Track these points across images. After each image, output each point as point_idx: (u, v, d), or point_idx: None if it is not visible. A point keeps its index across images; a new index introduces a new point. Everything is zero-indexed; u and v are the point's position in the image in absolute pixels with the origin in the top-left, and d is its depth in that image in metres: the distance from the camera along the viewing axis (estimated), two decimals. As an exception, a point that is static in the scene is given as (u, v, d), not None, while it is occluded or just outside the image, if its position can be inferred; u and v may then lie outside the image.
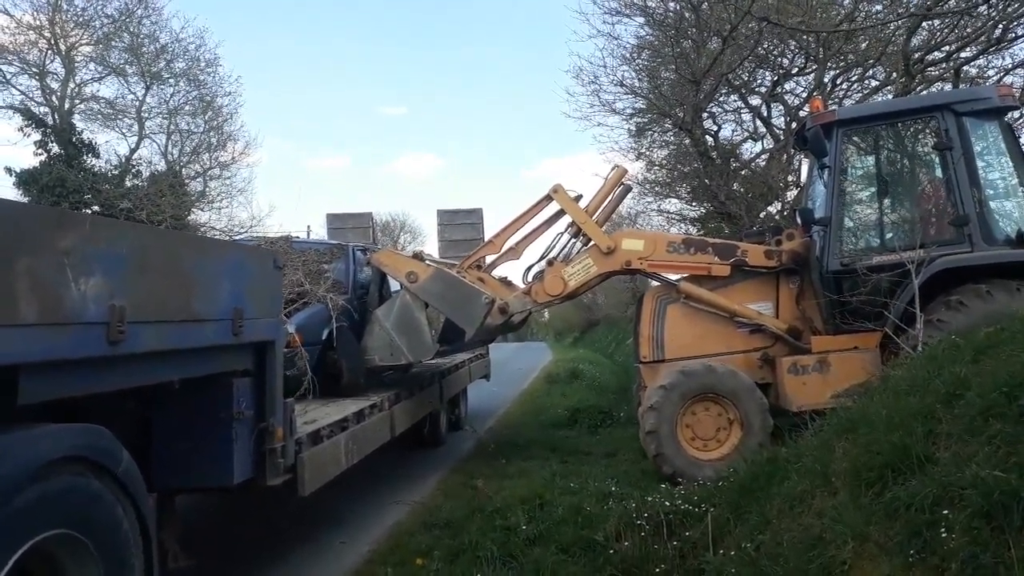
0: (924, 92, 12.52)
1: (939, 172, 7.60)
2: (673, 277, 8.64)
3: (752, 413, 7.50)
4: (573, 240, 8.57)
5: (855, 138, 8.00)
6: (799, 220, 8.36)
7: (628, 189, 9.42)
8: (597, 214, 8.58)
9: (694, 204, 18.19)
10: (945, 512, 3.06)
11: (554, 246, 8.61)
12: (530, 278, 8.60)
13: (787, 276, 8.21)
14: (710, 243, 8.46)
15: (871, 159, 8.10)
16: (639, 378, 8.54)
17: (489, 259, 8.66)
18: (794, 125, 14.84)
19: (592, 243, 8.36)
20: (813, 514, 3.98)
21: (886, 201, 7.92)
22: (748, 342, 8.16)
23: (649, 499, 5.75)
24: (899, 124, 8.00)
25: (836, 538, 3.52)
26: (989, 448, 3.22)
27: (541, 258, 8.60)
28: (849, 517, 3.57)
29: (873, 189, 8.02)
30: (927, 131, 7.73)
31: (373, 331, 8.01)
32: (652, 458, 7.64)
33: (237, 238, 10.10)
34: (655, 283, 8.95)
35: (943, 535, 2.97)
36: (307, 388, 6.40)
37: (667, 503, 5.53)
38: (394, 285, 9.11)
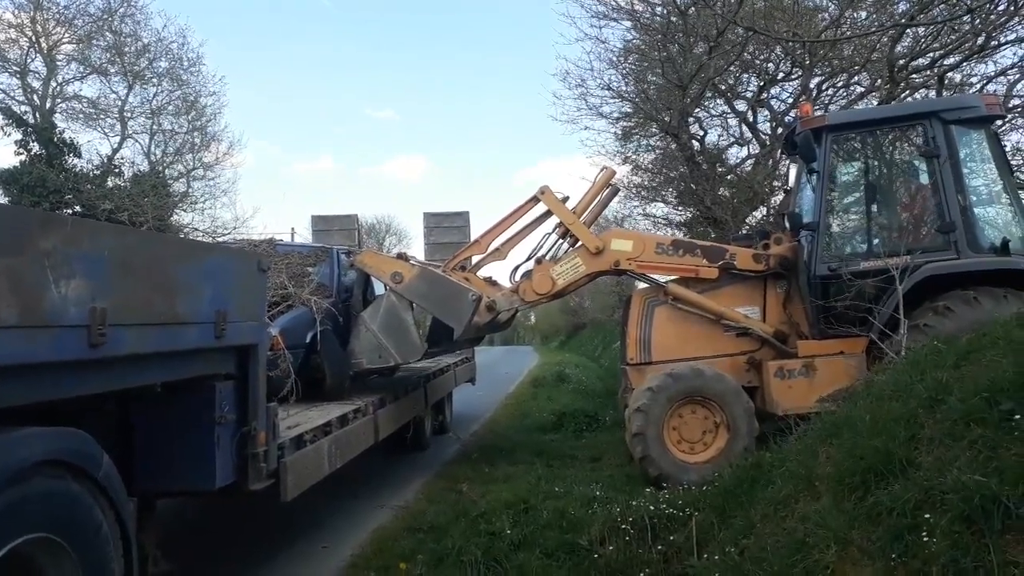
0: (909, 99, 12.63)
1: (926, 179, 7.65)
2: (661, 279, 8.67)
3: (738, 417, 7.52)
4: (560, 241, 8.58)
5: (844, 143, 8.05)
6: (787, 224, 8.41)
7: (616, 190, 9.43)
8: (585, 215, 8.59)
9: (680, 208, 18.24)
10: (927, 516, 3.07)
11: (541, 246, 8.61)
12: (518, 277, 8.59)
13: (774, 280, 8.25)
14: (698, 245, 8.49)
15: (859, 165, 8.15)
16: (626, 380, 8.56)
17: (475, 259, 8.65)
18: (780, 130, 14.93)
19: (580, 243, 8.37)
20: (797, 518, 3.99)
21: (873, 207, 7.96)
22: (735, 345, 8.19)
23: (634, 503, 5.77)
24: (887, 130, 8.05)
25: (819, 542, 3.53)
26: (970, 453, 3.24)
27: (529, 257, 8.59)
28: (832, 521, 3.58)
29: (860, 195, 8.07)
30: (915, 138, 7.78)
31: (360, 334, 7.96)
32: (638, 460, 7.64)
33: (220, 240, 10.07)
34: (641, 285, 8.96)
35: (925, 539, 2.98)
36: (290, 390, 6.35)
37: (651, 507, 5.55)
38: (378, 288, 9.07)
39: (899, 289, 6.77)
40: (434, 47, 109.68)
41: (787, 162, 15.04)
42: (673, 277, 8.46)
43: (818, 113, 10.25)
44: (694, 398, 7.66)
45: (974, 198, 7.59)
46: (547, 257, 8.53)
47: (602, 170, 8.91)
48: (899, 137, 8.09)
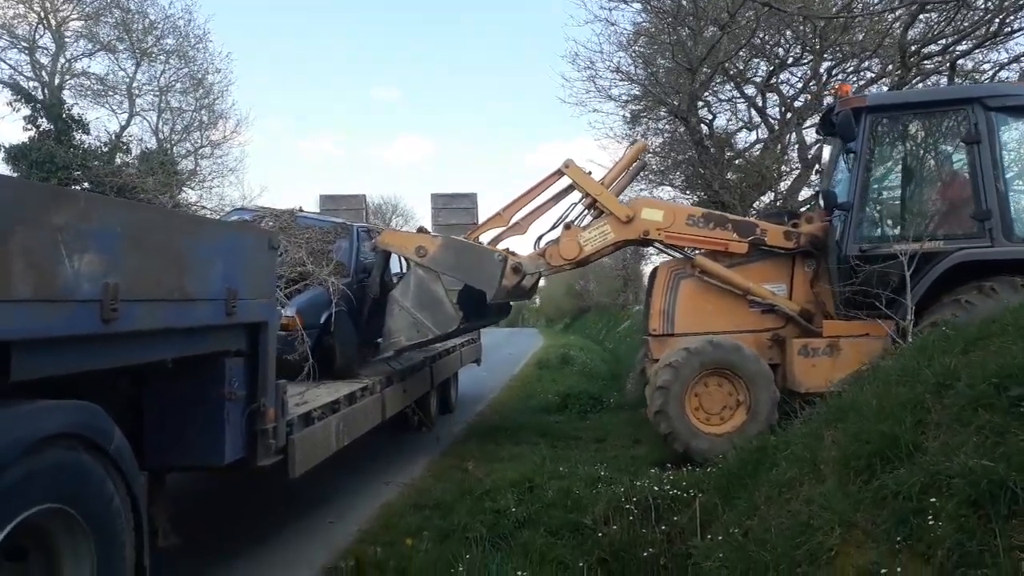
0: (920, 85, 12.53)
1: (964, 165, 7.57)
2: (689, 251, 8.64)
3: (762, 402, 7.52)
4: (584, 212, 8.51)
5: (883, 125, 7.94)
6: (822, 203, 8.33)
7: (644, 164, 9.34)
8: (612, 187, 8.53)
9: (688, 192, 18.18)
10: (933, 500, 3.08)
11: (567, 215, 8.55)
12: (542, 245, 8.53)
13: (803, 259, 8.22)
14: (730, 219, 8.42)
15: (897, 147, 8.05)
16: (647, 350, 8.55)
17: (495, 232, 8.60)
18: (789, 115, 14.85)
19: (607, 214, 8.30)
20: (801, 501, 4.01)
21: (908, 190, 7.89)
22: (759, 322, 8.18)
23: (638, 484, 5.79)
24: (928, 114, 7.94)
25: (823, 525, 3.54)
26: (978, 438, 3.25)
27: (554, 226, 8.52)
28: (837, 504, 3.60)
29: (897, 177, 8.00)
30: (956, 123, 7.67)
31: (393, 312, 7.93)
32: (653, 413, 7.64)
33: (245, 207, 9.96)
34: (653, 265, 8.95)
35: (930, 522, 3.00)
36: (308, 373, 6.40)
37: (656, 488, 5.57)
38: (395, 269, 9.07)
39: (907, 274, 6.75)
40: (435, 26, 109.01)
41: (795, 144, 15.02)
42: (701, 249, 8.41)
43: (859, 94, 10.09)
44: (724, 371, 7.67)
45: (1011, 187, 7.51)
46: (574, 224, 8.47)
47: (632, 143, 8.85)
48: (939, 121, 7.97)
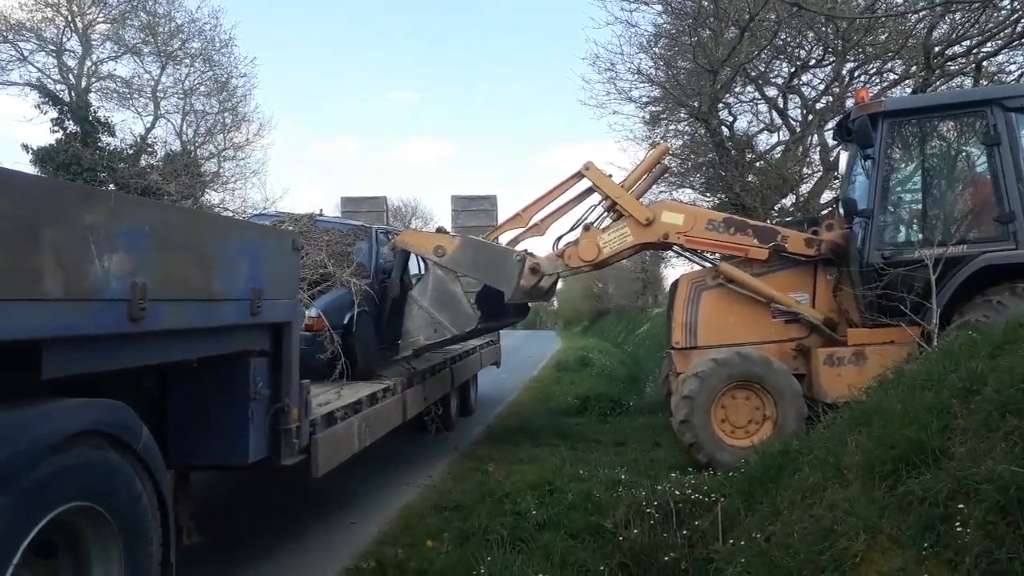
0: (944, 87, 12.40)
1: (984, 168, 7.46)
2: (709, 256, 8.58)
3: (789, 418, 7.42)
4: (604, 215, 8.47)
5: (901, 130, 7.84)
6: (841, 211, 8.26)
7: (666, 168, 9.27)
8: (632, 190, 8.50)
9: (708, 195, 18.11)
10: (960, 506, 3.04)
11: (586, 217, 8.52)
12: (561, 245, 8.51)
13: (825, 267, 8.14)
14: (750, 225, 8.34)
15: (916, 152, 7.95)
16: (671, 363, 8.50)
17: (514, 233, 8.59)
18: (811, 117, 14.75)
19: (627, 216, 8.27)
20: (825, 506, 3.97)
21: (929, 195, 7.79)
22: (783, 332, 8.08)
23: (659, 488, 5.76)
24: (946, 117, 7.84)
25: (848, 530, 3.51)
26: (1006, 444, 3.21)
27: (573, 227, 8.51)
28: (861, 509, 3.56)
29: (917, 182, 7.89)
30: (975, 125, 7.56)
31: (412, 312, 7.96)
32: (678, 423, 7.58)
33: (264, 212, 10.12)
34: (673, 272, 8.93)
35: (958, 529, 2.96)
36: (340, 372, 6.48)
37: (677, 492, 5.55)
38: (413, 270, 9.11)
39: (932, 279, 6.67)
40: (453, 28, 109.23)
41: (817, 146, 14.90)
42: (719, 254, 8.35)
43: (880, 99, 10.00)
44: (752, 384, 7.59)
45: None
46: (594, 226, 8.44)
47: (653, 145, 8.83)
48: (958, 124, 7.87)
